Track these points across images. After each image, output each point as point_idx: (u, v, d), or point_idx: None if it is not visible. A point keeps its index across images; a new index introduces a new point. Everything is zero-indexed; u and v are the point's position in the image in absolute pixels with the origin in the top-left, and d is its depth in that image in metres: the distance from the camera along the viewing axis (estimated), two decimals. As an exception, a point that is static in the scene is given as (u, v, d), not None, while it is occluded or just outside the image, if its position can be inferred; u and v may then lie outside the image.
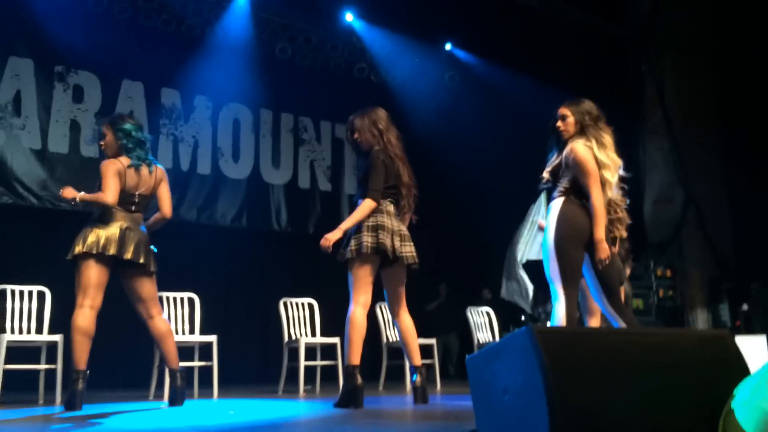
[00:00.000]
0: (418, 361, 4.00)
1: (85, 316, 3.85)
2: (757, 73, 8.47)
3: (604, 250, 3.39)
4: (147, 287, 4.07)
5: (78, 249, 3.88)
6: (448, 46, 9.73)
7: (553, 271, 3.40)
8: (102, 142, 4.19)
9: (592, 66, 8.79)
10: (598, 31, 9.08)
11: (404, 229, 4.04)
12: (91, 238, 3.88)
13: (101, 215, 3.98)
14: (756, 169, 8.29)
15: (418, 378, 3.95)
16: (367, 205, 3.88)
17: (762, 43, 8.33)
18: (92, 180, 7.44)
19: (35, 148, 7.46)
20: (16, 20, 7.41)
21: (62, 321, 5.02)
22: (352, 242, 3.87)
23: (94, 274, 3.89)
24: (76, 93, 7.82)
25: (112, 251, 3.86)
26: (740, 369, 2.26)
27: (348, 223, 3.90)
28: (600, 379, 2.01)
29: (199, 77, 8.56)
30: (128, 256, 3.91)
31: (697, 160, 8.72)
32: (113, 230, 3.92)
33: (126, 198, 4.02)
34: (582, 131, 3.60)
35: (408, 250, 3.99)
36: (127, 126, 4.11)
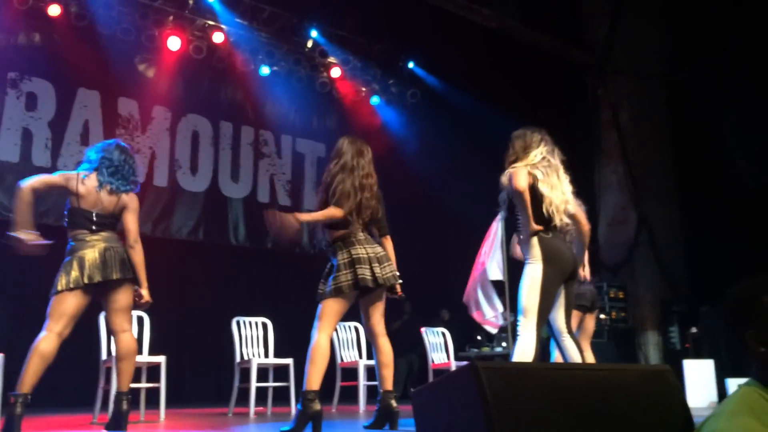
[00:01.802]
0: (390, 385, 3.97)
1: (50, 342, 3.73)
2: (709, 97, 8.70)
3: None
4: (127, 298, 3.99)
5: (61, 286, 3.78)
6: (411, 65, 9.79)
7: (528, 303, 3.45)
8: None
9: (549, 89, 8.94)
10: (556, 55, 9.25)
11: (379, 250, 3.94)
12: (74, 273, 3.79)
13: (73, 246, 3.89)
14: (707, 192, 8.49)
15: (393, 402, 3.90)
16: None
17: (713, 69, 8.57)
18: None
19: (-16, 156, 7.27)
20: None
21: (3, 337, 4.89)
22: (331, 282, 3.80)
23: (73, 305, 3.80)
24: (30, 100, 7.65)
25: (97, 278, 3.79)
26: (680, 404, 2.30)
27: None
28: (543, 415, 2.02)
29: (158, 87, 8.46)
30: (116, 276, 3.85)
31: (650, 183, 8.91)
32: (94, 255, 3.86)
33: (85, 216, 3.94)
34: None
35: (388, 270, 3.92)
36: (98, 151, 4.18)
